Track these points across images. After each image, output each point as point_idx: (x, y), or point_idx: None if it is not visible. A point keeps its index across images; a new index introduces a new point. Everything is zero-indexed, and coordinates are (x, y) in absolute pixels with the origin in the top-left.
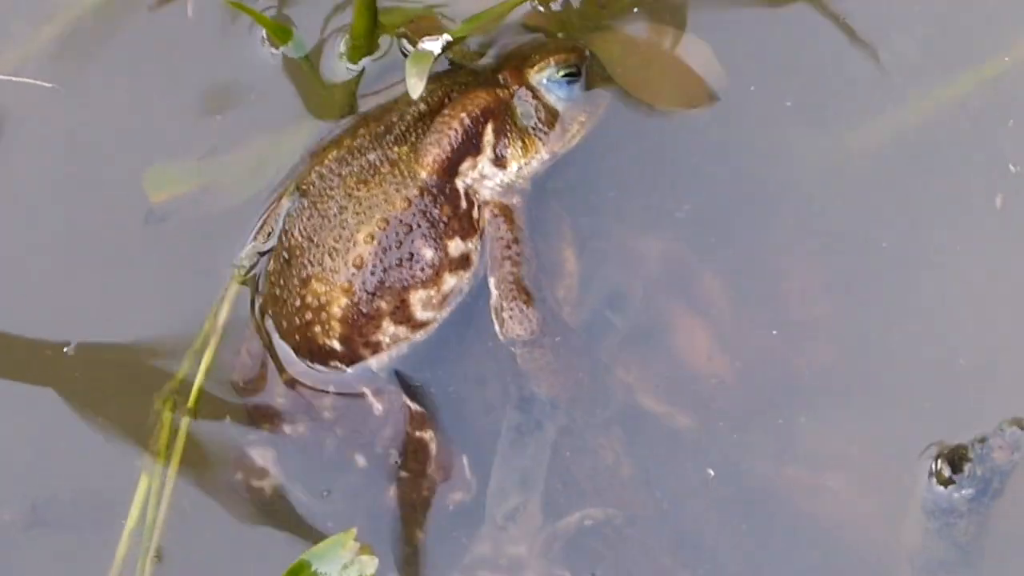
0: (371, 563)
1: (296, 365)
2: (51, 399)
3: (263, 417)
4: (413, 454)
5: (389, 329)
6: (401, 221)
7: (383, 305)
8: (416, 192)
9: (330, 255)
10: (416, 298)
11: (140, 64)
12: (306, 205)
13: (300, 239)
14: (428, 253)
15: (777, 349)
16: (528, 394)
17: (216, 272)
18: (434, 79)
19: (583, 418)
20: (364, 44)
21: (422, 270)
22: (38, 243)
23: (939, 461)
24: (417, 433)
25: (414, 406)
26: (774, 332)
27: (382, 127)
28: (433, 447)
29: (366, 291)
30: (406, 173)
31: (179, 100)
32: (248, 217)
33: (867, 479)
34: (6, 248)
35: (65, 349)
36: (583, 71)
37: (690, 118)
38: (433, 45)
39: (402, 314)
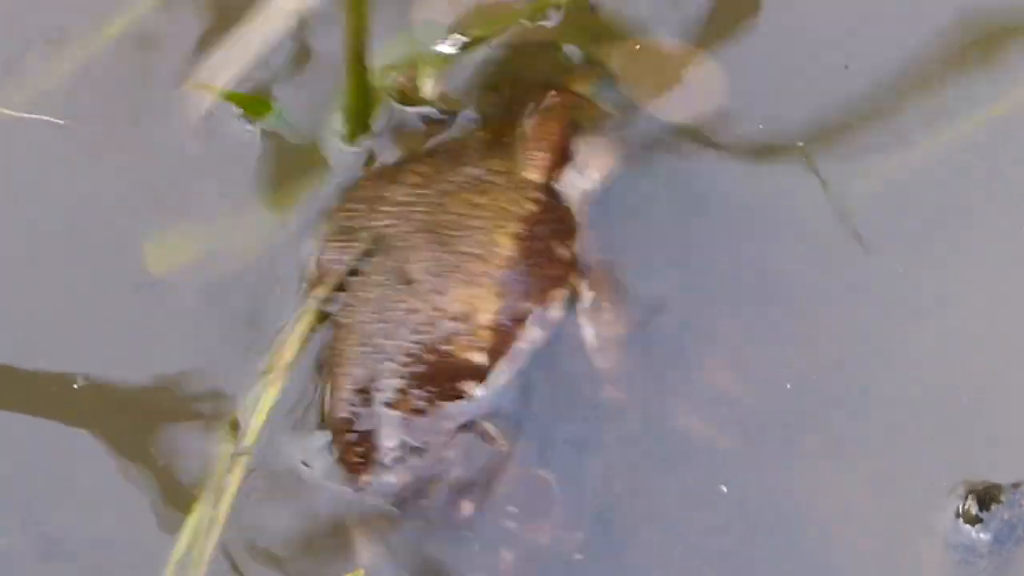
0: None
1: (412, 399)
2: (74, 435)
3: (362, 465)
4: (536, 493)
5: (531, 333)
6: (537, 222)
7: (530, 306)
8: (539, 194)
9: (473, 261)
10: (554, 297)
11: (143, 109)
12: (413, 230)
13: (426, 255)
14: (563, 251)
15: (802, 378)
16: (595, 403)
17: (261, 314)
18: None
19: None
20: (360, 123)
21: (560, 268)
22: (51, 281)
23: (969, 498)
24: (541, 472)
25: (532, 446)
26: (788, 386)
27: (447, 155)
28: (556, 488)
29: (516, 292)
30: (519, 180)
31: (176, 162)
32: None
33: (895, 506)
34: (22, 284)
35: (75, 385)
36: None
37: (698, 151)
38: (448, 48)
39: (543, 315)
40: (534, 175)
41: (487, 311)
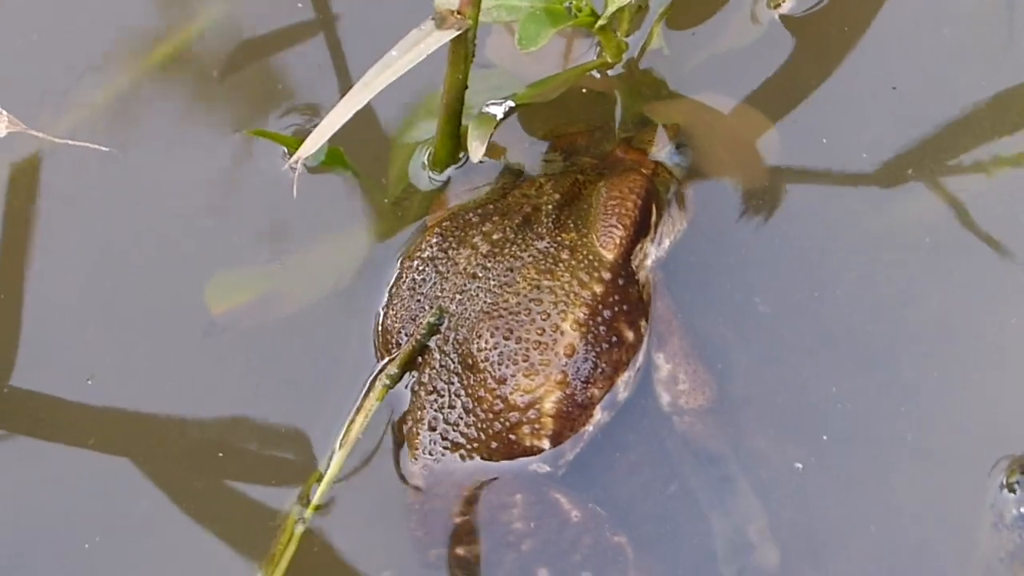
0: None
1: (483, 474)
2: (128, 478)
3: (433, 540)
4: (611, 561)
5: (597, 416)
6: (602, 305)
7: (596, 392)
8: (609, 275)
9: (536, 348)
10: (622, 380)
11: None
12: (479, 310)
13: (489, 342)
14: (630, 334)
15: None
16: (708, 453)
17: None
18: (550, 172)
19: None
20: (447, 158)
21: (627, 351)
22: (108, 318)
23: (1013, 468)
24: (615, 538)
25: (602, 511)
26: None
27: (519, 219)
28: (630, 551)
29: (580, 380)
30: (591, 257)
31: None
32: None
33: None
34: (65, 308)
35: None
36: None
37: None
38: (496, 109)
39: (610, 399)
40: (609, 254)
41: (551, 400)
